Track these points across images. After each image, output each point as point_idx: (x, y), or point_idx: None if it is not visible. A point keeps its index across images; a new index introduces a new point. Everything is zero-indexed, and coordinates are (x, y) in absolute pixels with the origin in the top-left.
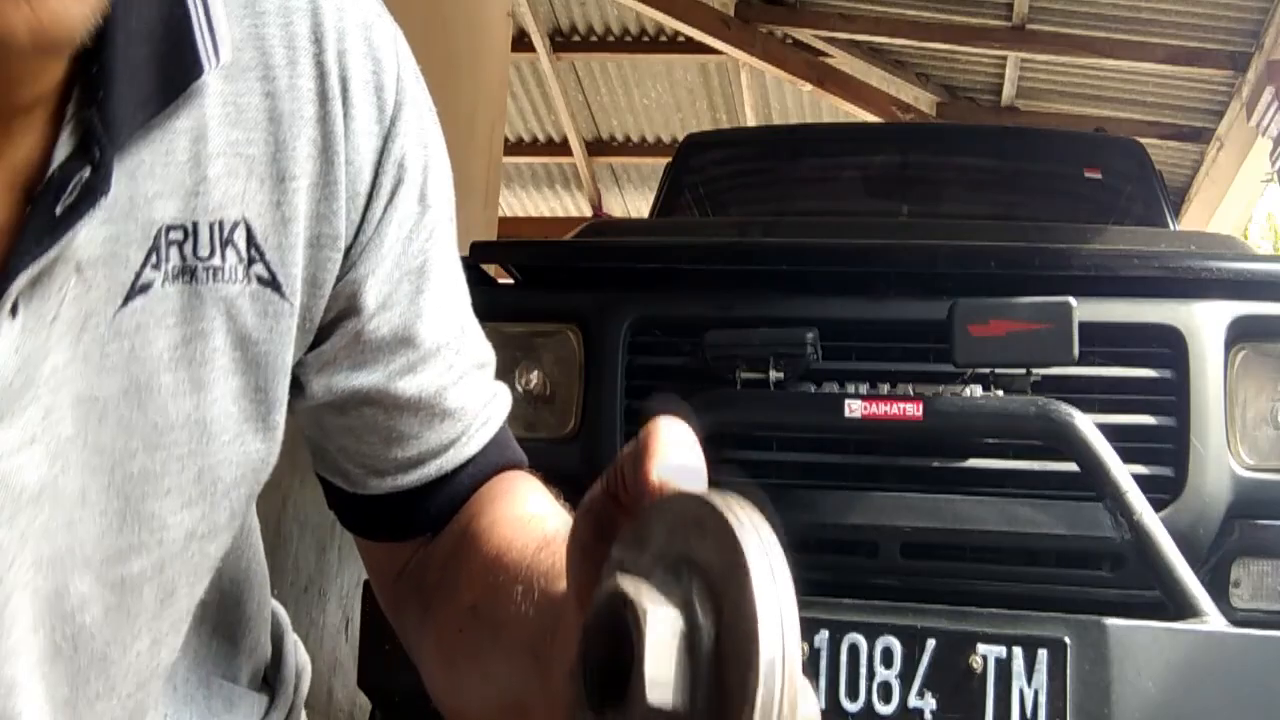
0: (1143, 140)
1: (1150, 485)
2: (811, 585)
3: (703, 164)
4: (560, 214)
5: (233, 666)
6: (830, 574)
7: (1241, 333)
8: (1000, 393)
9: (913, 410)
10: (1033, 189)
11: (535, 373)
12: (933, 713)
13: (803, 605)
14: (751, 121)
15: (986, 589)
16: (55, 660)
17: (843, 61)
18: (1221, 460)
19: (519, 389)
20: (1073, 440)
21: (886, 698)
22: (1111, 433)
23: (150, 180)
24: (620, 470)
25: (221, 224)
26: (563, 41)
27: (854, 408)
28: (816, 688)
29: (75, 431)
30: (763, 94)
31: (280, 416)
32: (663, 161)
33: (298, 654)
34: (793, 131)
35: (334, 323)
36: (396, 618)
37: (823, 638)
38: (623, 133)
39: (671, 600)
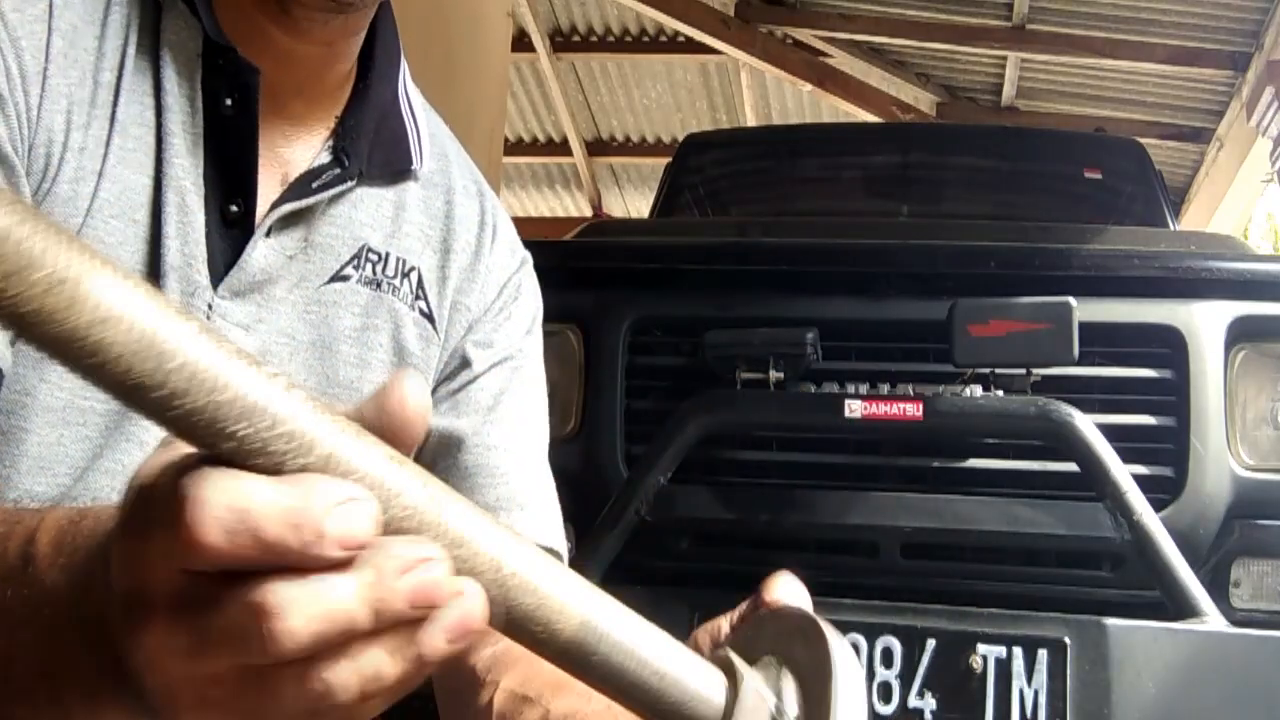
0: (1143, 140)
1: (1150, 485)
2: (811, 585)
3: (703, 164)
4: (560, 214)
5: None
6: (830, 574)
7: (1241, 333)
8: (1000, 393)
9: (913, 410)
10: (1033, 189)
11: None
12: (933, 713)
13: None
14: (751, 121)
15: (986, 589)
16: None
17: (843, 61)
18: (1221, 460)
19: None
20: (1073, 440)
21: (886, 698)
22: (1111, 433)
23: (364, 214)
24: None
25: (404, 262)
26: (563, 41)
27: (854, 408)
28: None
29: (274, 350)
30: (763, 94)
31: None
32: (663, 161)
33: None
34: (793, 131)
35: (453, 372)
36: None
37: None
38: (623, 133)
39: (768, 683)
